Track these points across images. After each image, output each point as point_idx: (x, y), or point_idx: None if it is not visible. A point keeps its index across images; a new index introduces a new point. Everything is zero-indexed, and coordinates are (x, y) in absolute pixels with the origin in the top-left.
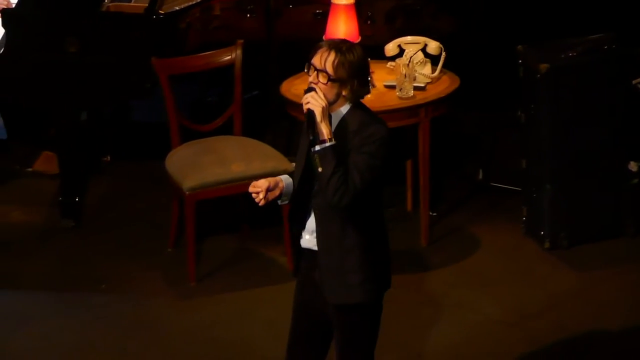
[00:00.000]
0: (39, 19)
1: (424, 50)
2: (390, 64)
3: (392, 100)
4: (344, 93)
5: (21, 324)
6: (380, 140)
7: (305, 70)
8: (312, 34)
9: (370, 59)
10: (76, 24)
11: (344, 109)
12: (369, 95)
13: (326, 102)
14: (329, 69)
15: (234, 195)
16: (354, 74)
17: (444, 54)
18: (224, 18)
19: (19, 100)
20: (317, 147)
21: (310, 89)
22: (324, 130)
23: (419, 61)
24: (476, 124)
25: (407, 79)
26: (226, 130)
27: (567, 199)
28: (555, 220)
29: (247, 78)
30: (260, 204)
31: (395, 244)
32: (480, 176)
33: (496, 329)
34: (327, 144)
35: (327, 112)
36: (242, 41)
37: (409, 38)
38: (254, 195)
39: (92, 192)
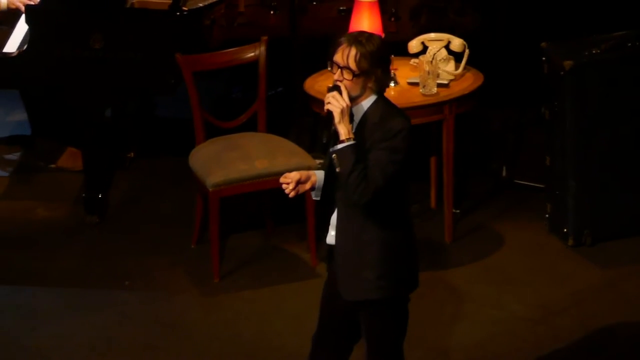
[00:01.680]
0: (63, 15)
1: (447, 47)
2: (413, 60)
3: (415, 97)
4: (369, 85)
5: (45, 321)
6: (401, 133)
7: (329, 69)
8: (336, 31)
9: (394, 55)
10: (101, 20)
11: (368, 102)
12: (392, 92)
13: (347, 103)
14: (352, 65)
15: (258, 192)
16: (376, 64)
17: (467, 51)
18: (248, 15)
19: (43, 97)
20: (336, 147)
21: (334, 87)
22: (342, 131)
23: (443, 58)
24: (500, 121)
25: (430, 75)
26: (250, 126)
27: (591, 196)
28: (579, 217)
29: (271, 75)
30: (290, 196)
31: (419, 241)
32: (504, 173)
33: (520, 326)
34: (345, 144)
35: (348, 112)
36: (266, 38)
37: (432, 35)
38: (284, 186)
39: (116, 188)
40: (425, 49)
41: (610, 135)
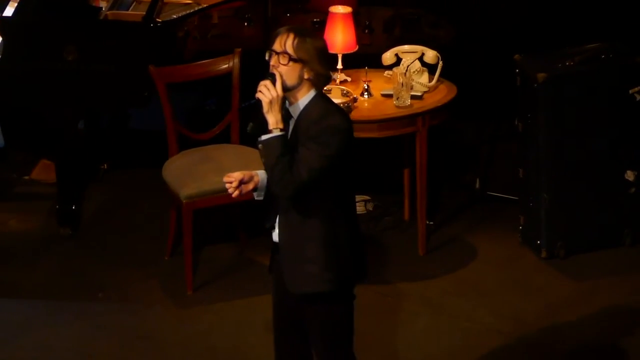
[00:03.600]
0: (37, 26)
1: (421, 59)
2: (387, 72)
3: (389, 109)
4: (306, 76)
5: (18, 333)
6: (336, 130)
7: (266, 58)
8: None
9: (368, 67)
10: (74, 32)
11: (307, 98)
12: (365, 104)
13: (278, 93)
14: (289, 49)
15: (231, 204)
16: (315, 55)
17: (441, 63)
18: (222, 26)
19: (15, 108)
20: (263, 137)
21: (269, 76)
22: (271, 120)
23: (416, 70)
24: (473, 133)
25: (404, 87)
26: (224, 138)
27: (564, 208)
28: (552, 229)
29: (245, 86)
30: (233, 195)
31: (392, 253)
32: (478, 185)
33: (493, 338)
34: (272, 135)
35: (279, 102)
36: (240, 50)
37: (406, 47)
38: (227, 186)
39: (90, 200)
40: (399, 61)
41: (583, 147)
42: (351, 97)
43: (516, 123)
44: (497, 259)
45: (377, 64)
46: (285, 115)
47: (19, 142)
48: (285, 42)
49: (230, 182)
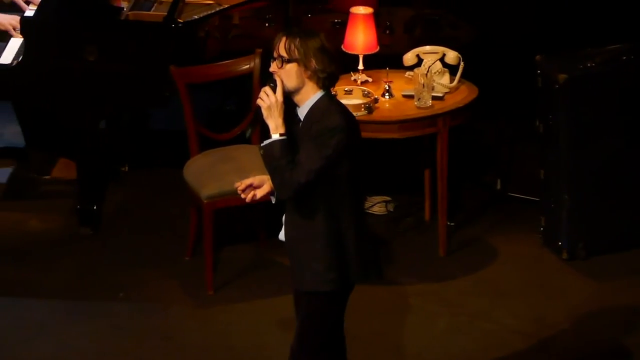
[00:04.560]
0: (58, 27)
1: (442, 60)
2: (408, 73)
3: (410, 110)
4: (306, 76)
5: (38, 333)
6: (334, 130)
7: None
8: (331, 44)
9: (389, 68)
10: (95, 32)
11: (314, 98)
12: (387, 105)
13: (277, 99)
14: (282, 52)
15: (251, 204)
16: (309, 53)
17: (462, 63)
18: (242, 27)
19: (36, 108)
20: (265, 141)
21: (270, 82)
22: (271, 125)
23: (437, 71)
24: (494, 134)
25: (425, 88)
26: (244, 138)
27: (585, 209)
28: (573, 230)
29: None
30: (247, 200)
31: (413, 254)
32: (499, 186)
33: (513, 339)
34: (272, 139)
35: (279, 108)
36: (260, 50)
37: (427, 48)
38: (239, 191)
39: (110, 200)
40: (420, 61)
41: (604, 148)
42: (372, 97)
43: (537, 124)
44: (518, 259)
45: (398, 65)
46: (295, 118)
47: (39, 141)
48: (278, 46)
49: (240, 188)
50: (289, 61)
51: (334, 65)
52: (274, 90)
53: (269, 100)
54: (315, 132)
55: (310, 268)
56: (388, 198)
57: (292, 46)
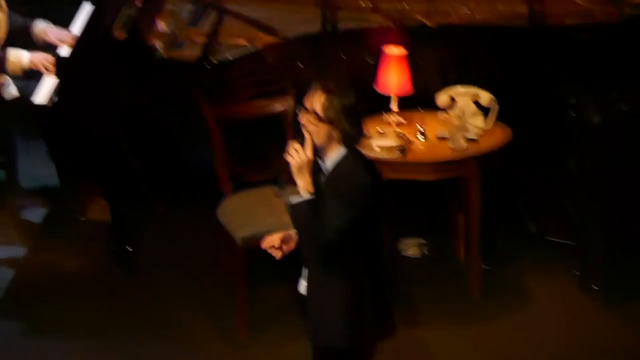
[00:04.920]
0: (94, 66)
1: (476, 102)
2: (441, 114)
3: (444, 152)
4: (334, 135)
5: None
6: (362, 189)
7: (297, 111)
8: (364, 83)
9: (422, 109)
10: (130, 72)
11: (338, 155)
12: (421, 147)
13: (308, 157)
14: (319, 110)
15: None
16: (344, 116)
17: (496, 105)
18: (275, 66)
19: (71, 149)
20: (292, 200)
21: (299, 137)
22: (300, 184)
23: (471, 112)
24: (529, 176)
25: (459, 130)
26: (277, 179)
27: (620, 253)
28: (609, 274)
29: (299, 126)
30: (277, 258)
31: (447, 296)
32: (533, 229)
33: None
34: (301, 199)
35: (309, 166)
36: (294, 91)
37: (460, 89)
38: (269, 251)
39: (145, 240)
40: (453, 101)
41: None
42: (406, 139)
43: (571, 166)
44: (553, 303)
45: (430, 103)
46: (316, 169)
47: (74, 181)
48: (314, 101)
49: (272, 248)
50: (323, 121)
51: (362, 125)
52: (303, 145)
53: (299, 159)
54: (344, 190)
55: (326, 324)
56: (423, 240)
57: (329, 106)
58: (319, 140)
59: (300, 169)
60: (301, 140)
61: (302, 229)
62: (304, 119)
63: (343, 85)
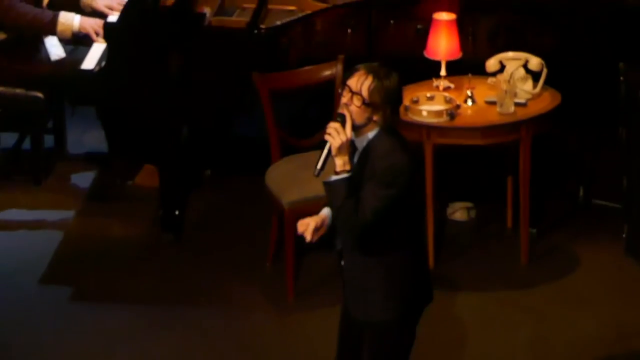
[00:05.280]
0: (142, 32)
1: (525, 66)
2: (491, 79)
3: (493, 117)
4: (375, 118)
5: (120, 341)
6: (401, 170)
7: (339, 90)
8: (413, 50)
9: (472, 74)
10: (178, 39)
11: (372, 133)
12: (469, 112)
13: (348, 137)
14: (365, 93)
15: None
16: (387, 101)
17: (545, 70)
18: (325, 33)
19: (120, 115)
20: (330, 179)
21: (339, 116)
22: (338, 162)
23: (520, 77)
24: (577, 141)
25: (507, 95)
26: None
27: None
28: None
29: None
30: (308, 241)
31: (495, 261)
32: (581, 194)
33: (595, 347)
34: (339, 177)
35: (348, 145)
36: (342, 56)
37: (510, 54)
38: (304, 235)
39: (193, 206)
40: (502, 68)
41: None
42: (454, 104)
43: (620, 131)
44: (600, 268)
45: (480, 71)
46: (351, 147)
47: (122, 147)
48: (362, 84)
49: (302, 231)
50: (367, 105)
51: (399, 108)
52: (343, 125)
53: (339, 138)
54: (381, 170)
55: (367, 298)
56: (470, 204)
57: (376, 91)
58: (359, 120)
59: (340, 148)
60: (340, 120)
61: (339, 208)
62: (347, 98)
63: (388, 69)
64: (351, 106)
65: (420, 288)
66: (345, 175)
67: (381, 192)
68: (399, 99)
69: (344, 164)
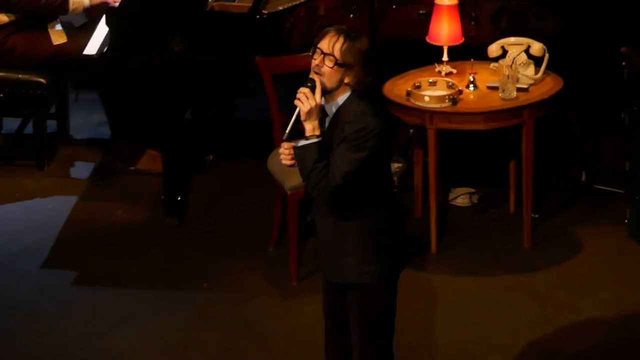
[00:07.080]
0: (144, 17)
1: (527, 51)
2: (493, 65)
3: (495, 102)
4: (346, 80)
5: (123, 323)
6: (371, 133)
7: (310, 54)
8: (416, 34)
9: (474, 59)
10: (181, 23)
11: (343, 97)
12: (471, 97)
13: (317, 102)
14: (337, 54)
15: None
16: (360, 61)
17: (547, 55)
18: (328, 18)
19: (122, 99)
20: (299, 143)
21: (308, 82)
22: (307, 127)
23: (522, 62)
24: (579, 126)
25: (510, 80)
26: None
27: None
28: None
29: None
30: (287, 165)
31: (498, 246)
32: (584, 178)
33: (598, 331)
34: (309, 141)
35: (317, 111)
36: None
37: (512, 39)
38: (282, 156)
39: (196, 190)
40: (504, 53)
41: None
42: (456, 89)
43: (623, 116)
44: (602, 251)
45: (482, 56)
46: (321, 113)
47: (125, 132)
48: (334, 45)
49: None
50: (340, 65)
51: (375, 74)
52: (313, 90)
53: (308, 104)
54: (351, 134)
55: (344, 262)
56: (472, 190)
57: (349, 51)
58: (330, 83)
59: (308, 113)
60: (310, 85)
61: (308, 173)
62: (318, 60)
63: (356, 29)
64: (323, 67)
65: (396, 254)
66: (314, 140)
67: (351, 155)
68: (371, 60)
69: (313, 129)
